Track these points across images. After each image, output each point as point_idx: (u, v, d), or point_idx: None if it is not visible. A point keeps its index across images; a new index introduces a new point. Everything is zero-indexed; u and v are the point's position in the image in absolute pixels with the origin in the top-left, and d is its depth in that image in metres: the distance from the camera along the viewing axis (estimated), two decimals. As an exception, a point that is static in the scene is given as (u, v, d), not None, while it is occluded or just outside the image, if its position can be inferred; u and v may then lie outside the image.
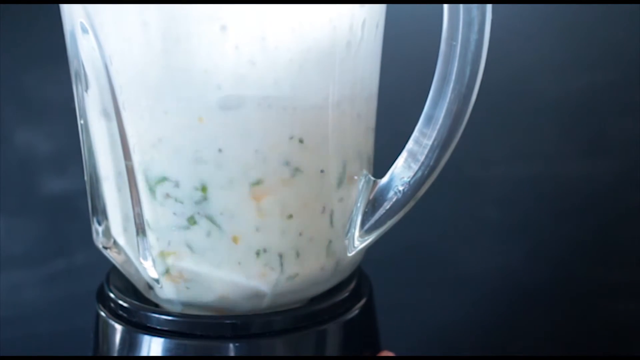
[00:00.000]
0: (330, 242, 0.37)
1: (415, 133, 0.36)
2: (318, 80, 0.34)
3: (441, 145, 0.35)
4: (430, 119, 0.35)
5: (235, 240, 0.35)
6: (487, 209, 0.58)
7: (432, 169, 0.36)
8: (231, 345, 0.36)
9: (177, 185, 0.35)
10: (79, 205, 0.45)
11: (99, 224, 0.38)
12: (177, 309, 0.37)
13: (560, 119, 0.57)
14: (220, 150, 0.34)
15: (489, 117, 0.56)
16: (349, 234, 0.38)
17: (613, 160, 0.57)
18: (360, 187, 0.38)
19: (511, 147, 0.58)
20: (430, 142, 0.36)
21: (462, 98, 0.35)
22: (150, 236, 0.36)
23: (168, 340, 0.36)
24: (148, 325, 0.37)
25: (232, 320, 0.36)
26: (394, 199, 0.37)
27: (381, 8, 0.36)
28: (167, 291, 0.37)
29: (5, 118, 0.57)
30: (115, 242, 0.38)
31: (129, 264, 0.38)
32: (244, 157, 0.34)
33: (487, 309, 0.59)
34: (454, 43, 0.34)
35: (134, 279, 0.38)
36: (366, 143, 0.38)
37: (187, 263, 0.36)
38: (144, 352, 0.36)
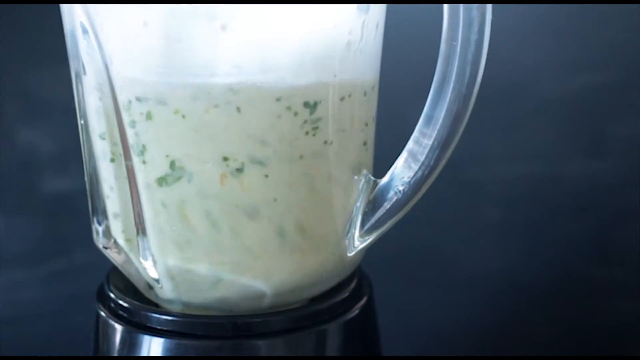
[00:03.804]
0: (330, 242, 0.37)
1: (415, 133, 0.36)
2: (318, 80, 0.34)
3: (441, 145, 0.35)
4: (430, 119, 0.35)
5: (235, 240, 0.35)
6: (487, 209, 0.58)
7: (432, 169, 0.36)
8: (231, 345, 0.36)
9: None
10: (80, 204, 0.45)
11: (99, 224, 0.38)
12: (177, 309, 0.37)
13: (560, 119, 0.57)
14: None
15: (489, 117, 0.56)
16: (349, 234, 0.38)
17: (613, 160, 0.57)
18: (360, 187, 0.38)
19: (511, 147, 0.58)
20: (430, 142, 0.36)
21: (462, 98, 0.35)
22: (151, 236, 0.36)
23: (168, 340, 0.36)
24: (148, 325, 0.37)
25: (232, 320, 0.36)
26: (394, 199, 0.37)
27: (381, 8, 0.36)
28: (167, 291, 0.37)
29: (6, 117, 0.57)
30: (115, 242, 0.38)
31: (129, 264, 0.38)
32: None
33: (487, 309, 0.59)
34: (454, 43, 0.34)
35: (134, 279, 0.38)
36: (366, 142, 0.38)
37: (187, 263, 0.36)
38: (144, 352, 0.36)
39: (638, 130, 0.56)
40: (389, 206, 0.37)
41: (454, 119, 0.35)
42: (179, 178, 0.35)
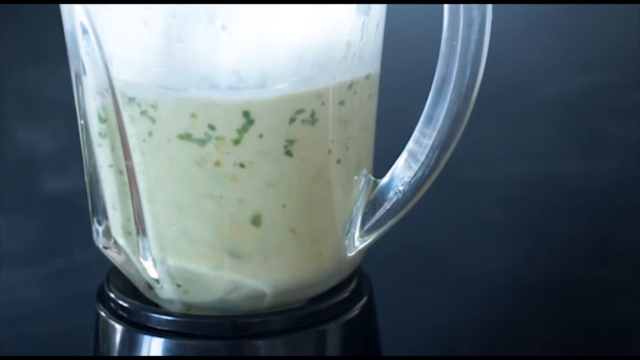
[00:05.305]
0: (330, 242, 0.37)
1: (416, 133, 0.36)
2: (318, 80, 0.34)
3: (441, 145, 0.36)
4: (430, 119, 0.35)
5: (235, 241, 0.35)
6: (487, 209, 0.58)
7: (433, 169, 0.36)
8: (231, 345, 0.36)
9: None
10: (80, 204, 0.45)
11: (99, 224, 0.38)
12: (177, 309, 0.37)
13: (560, 119, 0.57)
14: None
15: (489, 117, 0.56)
16: (349, 234, 0.38)
17: (613, 160, 0.57)
18: (360, 187, 0.38)
19: (511, 147, 0.58)
20: (430, 142, 0.36)
21: (462, 98, 0.35)
22: (151, 236, 0.36)
23: (168, 340, 0.36)
24: (148, 325, 0.37)
25: (232, 320, 0.36)
26: (394, 199, 0.37)
27: (381, 8, 0.36)
28: (167, 291, 0.37)
29: (7, 116, 0.57)
30: (115, 242, 0.38)
31: (129, 264, 0.38)
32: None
33: (487, 309, 0.59)
34: (454, 43, 0.34)
35: (134, 279, 0.38)
36: (366, 143, 0.38)
37: (187, 263, 0.36)
38: (144, 352, 0.36)
39: (638, 130, 0.56)
40: (389, 206, 0.37)
41: (454, 119, 0.35)
42: (179, 178, 0.35)
